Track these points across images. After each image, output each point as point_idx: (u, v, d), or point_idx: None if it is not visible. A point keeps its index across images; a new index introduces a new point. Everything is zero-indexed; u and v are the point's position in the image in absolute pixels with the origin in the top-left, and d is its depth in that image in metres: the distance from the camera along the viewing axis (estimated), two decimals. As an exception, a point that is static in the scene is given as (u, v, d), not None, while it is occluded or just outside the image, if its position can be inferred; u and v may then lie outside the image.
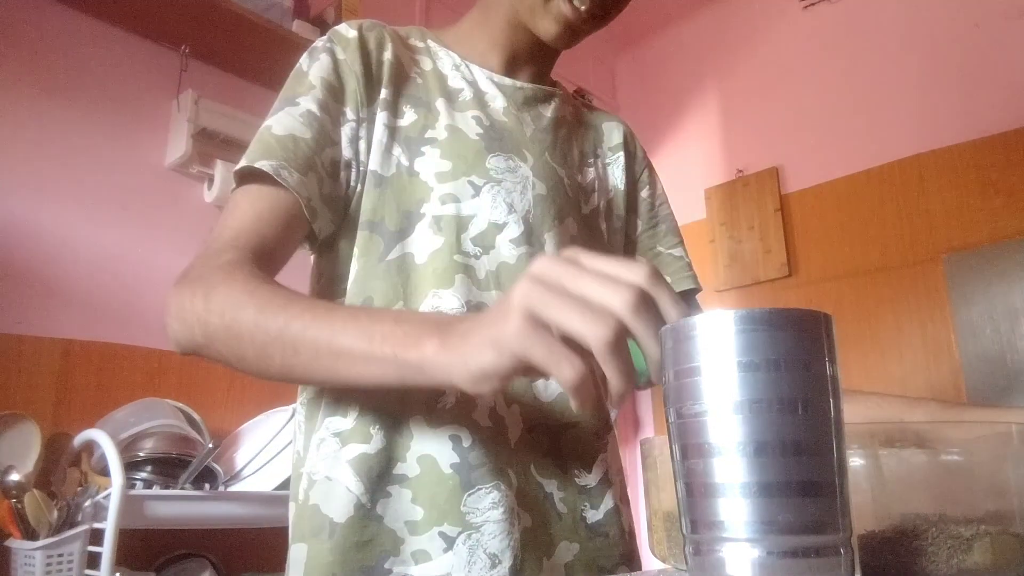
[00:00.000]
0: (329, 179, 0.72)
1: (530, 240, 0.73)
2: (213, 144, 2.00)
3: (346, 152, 0.74)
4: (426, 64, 0.82)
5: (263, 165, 0.68)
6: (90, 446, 1.53)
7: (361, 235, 0.73)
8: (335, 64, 0.75)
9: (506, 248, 0.73)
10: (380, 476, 0.65)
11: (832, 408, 0.39)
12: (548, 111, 0.85)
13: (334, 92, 0.74)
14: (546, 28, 0.77)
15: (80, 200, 1.83)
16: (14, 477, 1.41)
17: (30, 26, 1.83)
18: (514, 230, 0.73)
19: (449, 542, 0.63)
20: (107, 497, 1.36)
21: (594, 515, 0.73)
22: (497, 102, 0.81)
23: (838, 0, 3.09)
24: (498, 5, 0.83)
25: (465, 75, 0.82)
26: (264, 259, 0.67)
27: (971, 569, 0.44)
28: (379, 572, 0.63)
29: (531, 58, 0.85)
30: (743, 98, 3.37)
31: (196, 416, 1.77)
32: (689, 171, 3.51)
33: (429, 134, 0.76)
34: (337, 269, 0.75)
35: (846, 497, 0.39)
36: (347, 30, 0.78)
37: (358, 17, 2.19)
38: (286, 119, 0.71)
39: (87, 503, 1.42)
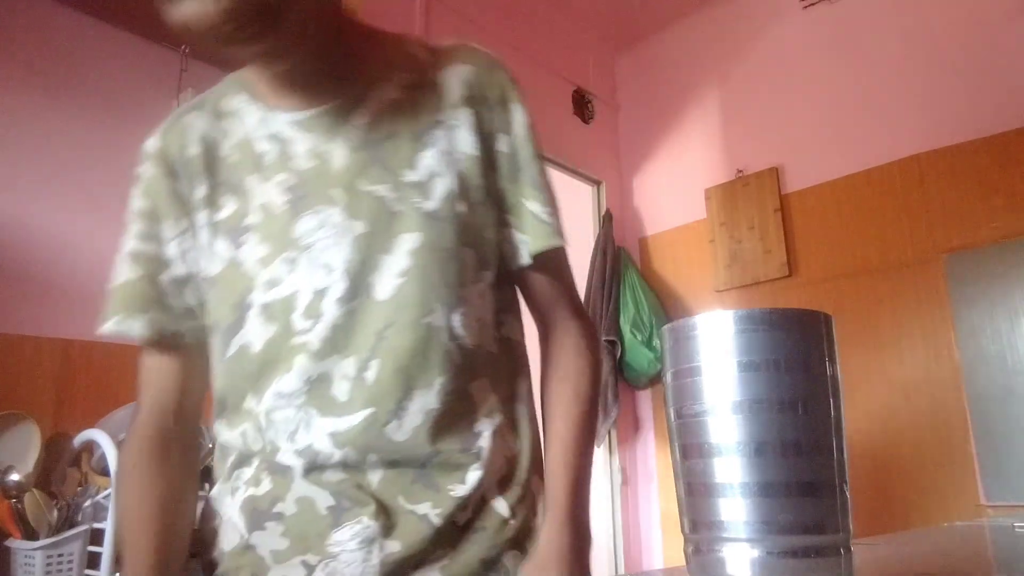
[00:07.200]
0: (179, 297, 0.78)
1: (356, 292, 0.72)
2: (213, 144, 2.00)
3: (180, 269, 0.78)
4: (236, 132, 0.78)
5: (109, 327, 0.77)
6: (90, 446, 1.53)
7: (212, 340, 0.77)
8: (145, 188, 0.79)
9: (333, 309, 0.72)
10: (262, 513, 0.73)
11: (832, 408, 0.39)
12: (361, 117, 0.76)
13: (149, 218, 0.78)
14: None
15: (80, 200, 1.83)
16: (14, 477, 1.41)
17: (30, 26, 1.83)
18: (338, 289, 0.72)
19: (309, 569, 0.70)
20: (107, 497, 1.36)
21: (462, 516, 0.74)
22: (300, 146, 0.76)
23: (838, 0, 3.09)
24: None
25: (270, 128, 0.77)
26: (172, 408, 0.80)
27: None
28: None
29: (308, 75, 0.75)
30: (743, 98, 3.38)
31: (196, 416, 1.77)
32: (689, 171, 3.51)
33: (247, 220, 0.75)
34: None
35: (846, 497, 0.39)
36: (151, 143, 0.80)
37: (357, 18, 2.18)
38: (121, 266, 0.78)
39: (87, 503, 1.42)
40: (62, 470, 1.55)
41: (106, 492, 1.37)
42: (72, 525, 1.41)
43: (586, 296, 3.34)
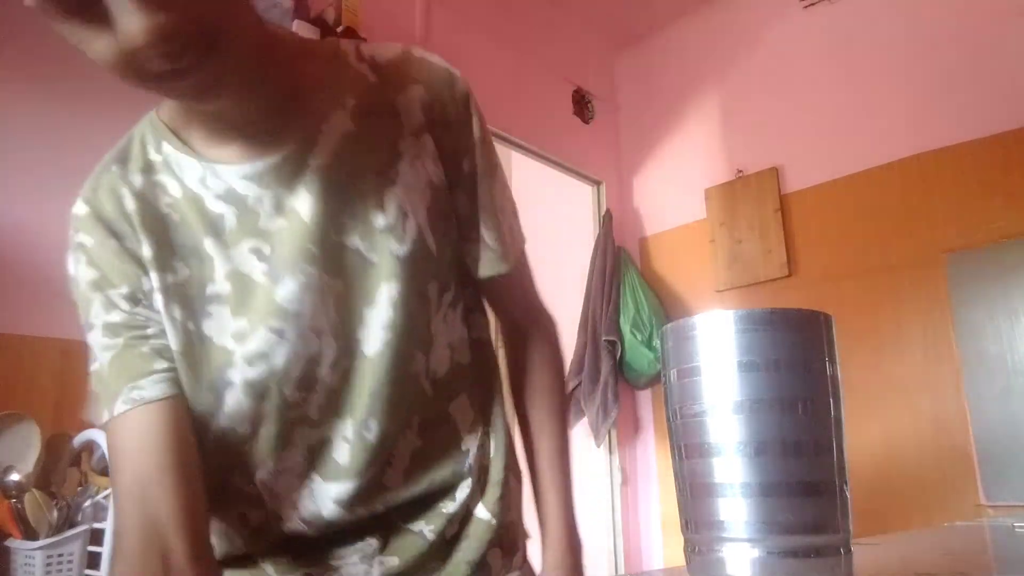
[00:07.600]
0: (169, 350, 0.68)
1: (347, 352, 0.68)
2: (213, 144, 1.99)
3: (155, 326, 0.68)
4: (173, 188, 0.69)
5: (119, 408, 0.65)
6: (90, 446, 1.53)
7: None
8: (88, 258, 0.69)
9: (328, 376, 0.68)
10: (267, 534, 0.73)
11: (832, 408, 0.39)
12: (318, 159, 0.67)
13: (103, 285, 0.68)
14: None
15: (80, 200, 1.83)
16: (14, 477, 1.41)
17: (30, 25, 1.83)
18: (330, 353, 0.67)
19: None
20: (107, 497, 1.36)
21: (450, 529, 0.76)
22: (262, 206, 0.67)
23: (838, 0, 3.09)
24: None
25: (216, 188, 0.67)
26: (164, 486, 0.63)
27: None
28: None
29: (247, 115, 0.66)
30: (743, 98, 3.38)
31: (196, 416, 1.77)
32: (689, 171, 3.51)
33: (211, 290, 0.67)
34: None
35: (846, 497, 0.39)
36: (80, 207, 0.72)
37: (358, 19, 2.18)
38: (96, 349, 0.68)
39: (87, 503, 1.42)
40: (62, 470, 1.55)
41: (106, 492, 1.38)
42: (72, 525, 1.41)
43: (586, 296, 3.34)
